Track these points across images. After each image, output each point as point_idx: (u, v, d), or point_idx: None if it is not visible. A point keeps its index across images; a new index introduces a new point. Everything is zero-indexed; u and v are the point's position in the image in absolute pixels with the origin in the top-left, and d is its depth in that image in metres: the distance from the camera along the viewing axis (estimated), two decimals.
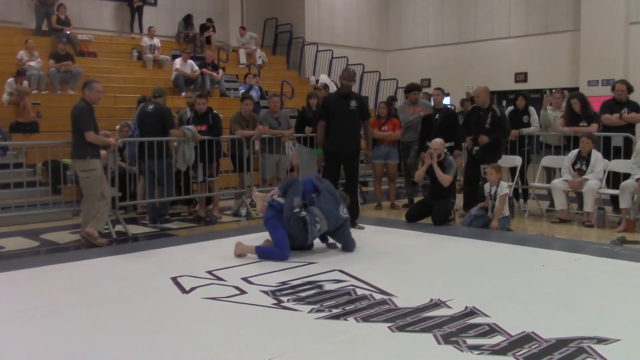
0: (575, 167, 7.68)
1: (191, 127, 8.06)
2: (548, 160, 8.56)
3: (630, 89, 8.03)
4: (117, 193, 7.41)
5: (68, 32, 13.45)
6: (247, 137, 8.65)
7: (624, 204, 7.10)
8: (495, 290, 4.71)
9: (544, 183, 8.57)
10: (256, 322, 4.04)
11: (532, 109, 8.80)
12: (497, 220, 7.13)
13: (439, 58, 18.93)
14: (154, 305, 4.41)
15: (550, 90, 9.39)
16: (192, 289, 4.74)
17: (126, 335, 3.77)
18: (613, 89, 8.16)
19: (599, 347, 3.44)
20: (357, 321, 3.95)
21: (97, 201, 6.59)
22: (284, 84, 14.59)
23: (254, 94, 12.36)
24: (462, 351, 3.43)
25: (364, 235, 6.79)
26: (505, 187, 7.27)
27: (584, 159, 7.65)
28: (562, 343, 3.51)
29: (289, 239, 5.74)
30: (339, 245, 6.13)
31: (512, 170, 8.69)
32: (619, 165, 7.74)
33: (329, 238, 6.16)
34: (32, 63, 11.66)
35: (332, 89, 12.07)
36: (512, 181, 8.56)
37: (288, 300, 4.41)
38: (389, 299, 4.40)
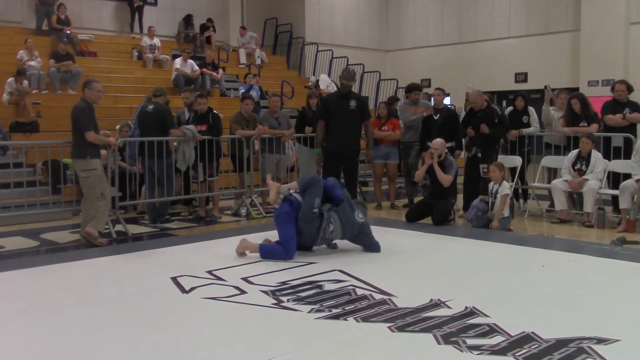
0: (575, 168, 7.69)
1: (191, 127, 8.06)
2: (548, 161, 8.56)
3: (630, 89, 8.03)
4: (117, 193, 7.42)
5: (68, 31, 13.45)
6: (247, 137, 8.65)
7: (623, 204, 7.10)
8: (495, 291, 4.71)
9: (544, 183, 8.56)
10: (256, 322, 4.04)
11: (531, 109, 8.80)
12: (497, 220, 7.13)
13: (439, 58, 18.94)
14: (154, 305, 4.41)
15: (555, 90, 9.33)
16: (192, 288, 4.74)
17: (126, 335, 3.77)
18: (613, 89, 8.16)
19: (598, 348, 3.44)
20: (357, 321, 3.95)
21: (97, 201, 6.59)
22: (284, 84, 14.60)
23: (254, 93, 12.37)
24: (462, 351, 3.43)
25: None
26: (507, 187, 7.28)
27: (584, 159, 7.65)
28: (562, 343, 3.51)
29: (297, 236, 5.68)
30: (338, 245, 6.12)
31: (512, 170, 8.69)
32: (619, 165, 7.74)
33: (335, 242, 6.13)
34: (32, 63, 11.67)
35: (333, 89, 12.08)
36: (512, 181, 8.56)
37: (288, 300, 4.41)
38: (389, 299, 4.40)
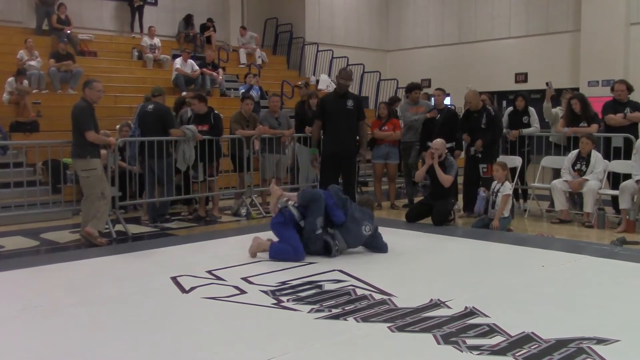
0: (575, 168, 7.69)
1: (192, 126, 8.06)
2: (548, 161, 8.56)
3: (629, 89, 8.01)
4: (117, 192, 7.42)
5: (68, 31, 13.45)
6: (247, 137, 8.65)
7: (623, 204, 7.10)
8: (495, 291, 4.71)
9: (546, 183, 8.54)
10: (256, 322, 4.04)
11: (531, 110, 8.79)
12: (497, 220, 7.13)
13: (439, 58, 18.94)
14: (154, 305, 4.41)
15: (563, 91, 9.31)
16: (192, 288, 4.74)
17: (126, 335, 3.77)
18: (612, 89, 8.16)
19: (598, 348, 3.44)
20: (357, 321, 3.95)
21: (97, 201, 6.59)
22: (284, 84, 14.60)
23: (254, 93, 12.37)
24: (461, 351, 3.43)
25: None
26: (508, 188, 7.28)
27: (583, 159, 7.65)
28: (561, 343, 3.51)
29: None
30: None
31: (512, 170, 8.68)
32: (619, 165, 7.74)
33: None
34: (33, 62, 11.67)
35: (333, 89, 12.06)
36: (512, 181, 8.55)
37: (288, 300, 4.41)
38: (389, 299, 4.40)
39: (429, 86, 16.81)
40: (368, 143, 8.60)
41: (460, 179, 8.37)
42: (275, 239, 5.85)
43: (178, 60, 13.51)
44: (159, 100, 8.01)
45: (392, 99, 11.15)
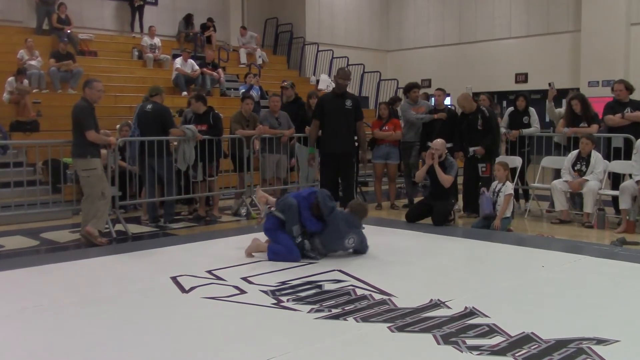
0: (575, 168, 7.69)
1: (191, 126, 8.06)
2: (548, 161, 8.56)
3: (629, 89, 7.98)
4: (117, 192, 7.42)
5: (69, 31, 13.46)
6: (247, 137, 8.65)
7: (623, 204, 7.10)
8: (495, 291, 4.71)
9: (546, 184, 8.54)
10: (256, 321, 4.04)
11: (532, 110, 8.79)
12: (499, 219, 7.12)
13: (439, 58, 18.95)
14: (154, 304, 4.41)
15: (565, 91, 9.29)
16: (192, 288, 4.74)
17: (126, 334, 3.77)
18: (613, 89, 8.15)
19: (598, 348, 3.44)
20: (357, 321, 3.95)
21: (98, 200, 6.59)
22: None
23: (255, 93, 12.36)
24: (461, 351, 3.43)
25: None
26: (510, 188, 7.29)
27: (583, 159, 7.65)
28: (561, 344, 3.51)
29: None
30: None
31: (512, 170, 8.68)
32: (619, 166, 7.74)
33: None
34: (33, 62, 11.67)
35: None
36: (512, 182, 8.55)
37: (288, 300, 4.41)
38: (389, 299, 4.40)
39: (429, 86, 16.83)
40: (368, 143, 8.60)
41: (460, 179, 8.37)
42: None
43: (178, 60, 13.52)
44: (157, 100, 8.00)
45: (392, 99, 11.15)
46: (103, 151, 7.09)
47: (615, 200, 7.59)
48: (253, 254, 5.81)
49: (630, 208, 7.11)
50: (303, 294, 4.56)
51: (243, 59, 16.52)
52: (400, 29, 20.08)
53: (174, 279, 5.00)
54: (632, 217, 7.15)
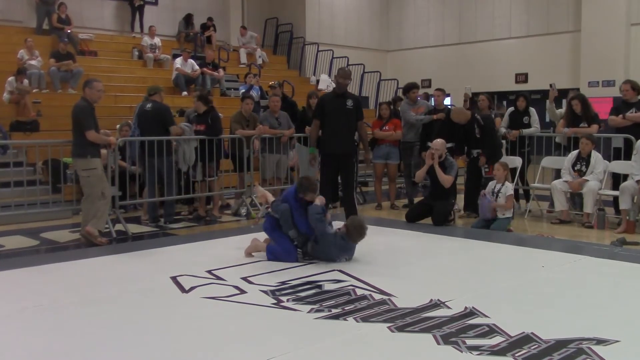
0: (575, 168, 7.69)
1: (188, 123, 8.08)
2: (548, 161, 8.56)
3: (635, 89, 7.89)
4: (117, 192, 7.42)
5: (69, 31, 13.46)
6: (247, 137, 8.65)
7: (623, 205, 7.10)
8: (495, 291, 4.71)
9: (546, 184, 8.54)
10: (256, 321, 4.04)
11: (532, 110, 8.79)
12: (495, 209, 7.13)
13: (439, 58, 18.95)
14: (154, 304, 4.41)
15: (565, 91, 9.27)
16: (192, 288, 4.74)
17: (126, 334, 3.77)
18: (621, 90, 8.11)
19: (598, 348, 3.44)
20: (357, 321, 3.95)
21: (98, 200, 6.59)
22: (285, 84, 14.57)
23: (255, 93, 12.36)
24: (461, 352, 3.43)
25: None
26: (510, 188, 7.29)
27: (583, 160, 7.65)
28: (561, 344, 3.51)
29: None
30: None
31: (512, 170, 8.68)
32: (619, 166, 7.74)
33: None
34: (33, 62, 11.67)
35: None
36: (512, 182, 8.55)
37: (288, 300, 4.41)
38: (389, 299, 4.40)
39: (429, 86, 16.85)
40: (369, 143, 8.59)
41: (461, 179, 8.37)
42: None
43: (178, 60, 13.51)
44: (157, 99, 8.00)
45: (395, 99, 11.13)
46: (103, 151, 7.09)
47: (615, 200, 7.59)
48: (252, 254, 5.82)
49: (630, 208, 7.11)
50: (303, 294, 4.56)
51: (243, 59, 16.52)
52: (400, 29, 20.08)
53: (174, 279, 5.00)
54: (632, 217, 7.15)
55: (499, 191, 7.23)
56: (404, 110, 9.15)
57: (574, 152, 7.81)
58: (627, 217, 7.12)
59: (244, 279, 4.99)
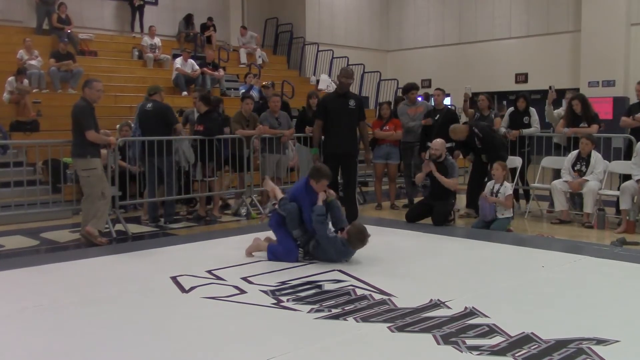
0: (575, 168, 7.69)
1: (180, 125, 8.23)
2: (548, 161, 8.56)
3: None
4: (117, 192, 7.42)
5: (69, 31, 13.45)
6: (247, 137, 8.65)
7: (623, 205, 7.10)
8: (495, 291, 4.71)
9: (546, 184, 8.53)
10: (256, 321, 4.04)
11: (532, 110, 8.79)
12: (497, 203, 7.15)
13: (439, 58, 18.95)
14: (154, 304, 4.41)
15: (562, 91, 9.25)
16: (192, 288, 4.74)
17: (126, 334, 3.77)
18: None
19: (598, 348, 3.44)
20: (357, 321, 3.95)
21: (98, 200, 6.59)
22: (285, 84, 14.60)
23: (254, 93, 12.36)
24: (461, 352, 3.43)
25: None
26: (510, 188, 7.29)
27: (583, 160, 7.65)
28: (561, 344, 3.51)
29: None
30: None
31: (512, 170, 8.68)
32: (619, 166, 7.74)
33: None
34: (33, 62, 11.67)
35: (333, 89, 12.05)
36: (512, 182, 8.55)
37: (288, 300, 4.41)
38: (389, 299, 4.40)
39: (429, 86, 16.85)
40: (369, 143, 8.59)
41: (461, 179, 8.36)
42: (275, 238, 5.89)
43: (178, 60, 13.51)
44: (157, 99, 8.01)
45: (397, 99, 11.11)
46: (103, 151, 7.09)
47: (618, 200, 7.57)
48: (253, 253, 5.82)
49: (630, 208, 7.12)
50: (303, 294, 4.56)
51: (243, 59, 16.52)
52: (400, 29, 20.08)
53: (174, 279, 5.00)
54: (632, 217, 7.16)
55: (497, 191, 7.23)
56: (401, 112, 9.14)
57: (574, 152, 7.81)
58: (627, 217, 7.12)
59: (244, 279, 4.99)
